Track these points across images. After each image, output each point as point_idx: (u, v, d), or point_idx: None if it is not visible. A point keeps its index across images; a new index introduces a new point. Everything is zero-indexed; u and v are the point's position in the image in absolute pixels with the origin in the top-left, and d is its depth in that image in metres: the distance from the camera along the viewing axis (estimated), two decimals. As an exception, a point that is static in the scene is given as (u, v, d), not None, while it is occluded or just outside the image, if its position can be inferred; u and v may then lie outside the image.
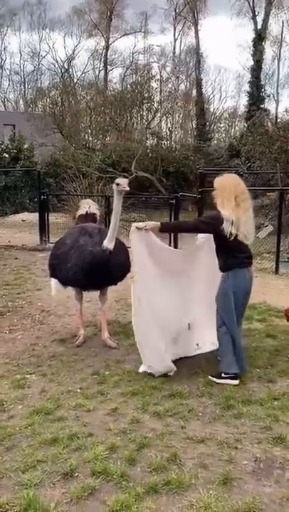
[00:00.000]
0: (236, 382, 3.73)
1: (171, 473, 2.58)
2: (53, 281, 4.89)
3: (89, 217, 5.42)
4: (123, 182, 4.24)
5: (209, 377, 3.83)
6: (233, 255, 3.74)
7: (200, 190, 9.97)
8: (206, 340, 4.32)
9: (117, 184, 4.22)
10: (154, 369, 3.93)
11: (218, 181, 3.85)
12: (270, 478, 2.55)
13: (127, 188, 4.25)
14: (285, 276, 7.91)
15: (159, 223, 3.92)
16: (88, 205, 5.53)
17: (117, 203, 4.33)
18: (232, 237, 3.62)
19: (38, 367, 4.23)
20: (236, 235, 3.63)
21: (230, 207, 3.63)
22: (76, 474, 2.59)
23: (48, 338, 5.04)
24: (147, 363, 3.98)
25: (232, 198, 3.66)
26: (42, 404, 3.45)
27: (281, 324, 5.15)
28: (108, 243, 4.29)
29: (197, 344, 4.37)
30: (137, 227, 3.82)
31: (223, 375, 3.77)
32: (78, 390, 3.71)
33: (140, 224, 3.88)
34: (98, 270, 4.35)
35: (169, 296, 4.09)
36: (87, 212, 5.43)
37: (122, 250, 4.63)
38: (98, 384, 3.83)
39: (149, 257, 3.93)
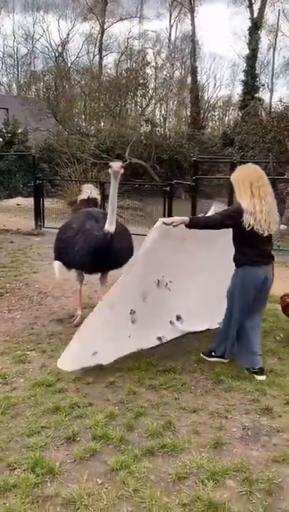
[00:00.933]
0: (225, 360, 3.90)
1: (166, 438, 2.79)
2: (57, 264, 4.97)
3: (90, 202, 5.51)
4: (116, 165, 4.32)
5: (201, 354, 4.01)
6: (243, 251, 3.66)
7: (194, 177, 10.16)
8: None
9: (111, 167, 4.33)
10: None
11: (233, 176, 3.81)
12: (257, 443, 2.77)
13: (121, 171, 4.34)
14: (275, 263, 8.10)
15: (187, 218, 3.69)
16: (90, 190, 5.63)
17: (113, 187, 4.42)
18: (249, 228, 3.52)
19: (38, 344, 4.40)
20: (252, 226, 3.51)
21: (247, 197, 3.56)
22: (78, 439, 2.79)
23: (46, 318, 5.20)
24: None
25: (247, 188, 3.58)
26: (43, 377, 3.63)
27: (271, 308, 5.36)
28: (109, 226, 4.38)
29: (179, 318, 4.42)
30: (165, 223, 3.67)
31: (212, 353, 3.94)
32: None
33: (168, 219, 3.76)
34: (102, 254, 4.44)
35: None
36: (88, 197, 5.52)
37: (125, 235, 4.79)
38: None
39: (161, 257, 3.88)
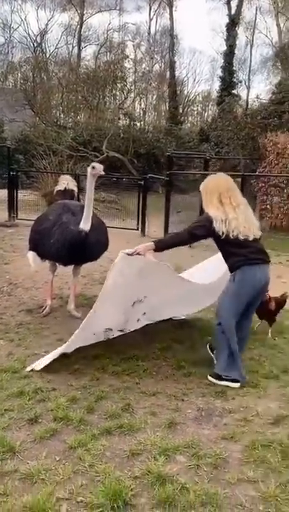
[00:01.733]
0: (237, 385, 3.43)
1: (124, 419, 2.94)
2: (31, 254, 5.01)
3: (67, 193, 5.56)
4: (99, 166, 4.40)
5: (208, 377, 3.54)
6: (235, 253, 3.44)
7: (168, 172, 10.32)
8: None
9: (93, 167, 4.38)
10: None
11: (202, 185, 3.72)
12: (210, 423, 2.95)
13: (102, 173, 4.41)
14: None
15: (152, 244, 3.49)
16: (67, 182, 5.66)
17: (90, 186, 4.47)
18: (223, 236, 3.38)
19: (6, 333, 4.49)
20: (228, 233, 3.38)
21: (214, 206, 3.46)
22: (40, 420, 2.92)
23: (16, 308, 5.29)
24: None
25: (214, 197, 3.48)
26: (9, 364, 3.74)
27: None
28: (84, 225, 4.45)
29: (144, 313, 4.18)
30: (127, 254, 3.41)
31: (223, 376, 3.48)
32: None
33: (130, 250, 3.44)
34: (77, 249, 4.54)
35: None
36: (65, 188, 5.57)
37: (101, 229, 4.89)
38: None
39: (129, 287, 3.65)
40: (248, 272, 3.42)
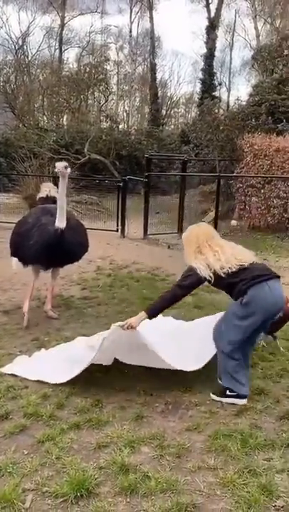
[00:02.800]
0: (244, 401, 3.20)
1: (93, 413, 3.03)
2: (14, 260, 5.04)
3: (49, 200, 5.65)
4: (59, 165, 4.51)
5: (211, 395, 3.31)
6: (237, 281, 3.17)
7: (146, 174, 10.44)
8: None
9: (55, 167, 4.56)
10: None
11: (183, 235, 3.60)
12: (176, 415, 3.06)
13: (68, 170, 4.52)
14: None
15: (143, 313, 3.31)
16: (48, 189, 5.87)
17: (62, 185, 4.59)
18: (213, 278, 3.18)
19: (-19, 334, 4.55)
20: (218, 273, 3.16)
21: (193, 257, 3.30)
22: (10, 417, 2.99)
23: (-7, 309, 5.34)
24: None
25: (192, 249, 3.35)
26: (-17, 364, 3.80)
27: (209, 298, 5.71)
28: (59, 223, 4.50)
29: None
30: (120, 326, 3.30)
31: (228, 392, 3.24)
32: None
33: (121, 323, 3.31)
34: (55, 248, 4.53)
35: None
36: (47, 195, 5.75)
37: (79, 230, 4.95)
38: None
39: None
40: (258, 291, 3.10)
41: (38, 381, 3.50)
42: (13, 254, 5.01)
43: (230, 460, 2.56)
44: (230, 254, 3.22)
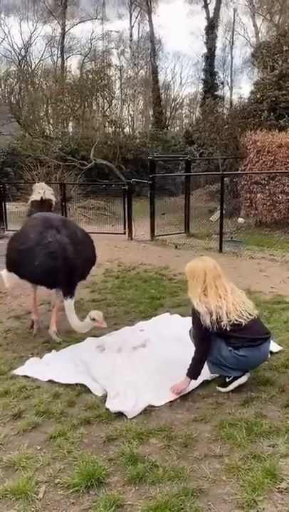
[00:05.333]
0: (246, 376, 3.36)
1: (102, 409, 3.12)
2: (8, 274, 4.64)
3: (45, 203, 5.07)
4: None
5: (218, 388, 3.39)
6: (233, 336, 3.24)
7: (151, 176, 10.55)
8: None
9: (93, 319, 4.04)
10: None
11: (188, 267, 3.48)
12: (183, 408, 3.14)
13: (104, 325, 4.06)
14: (227, 254, 8.61)
15: (187, 378, 3.29)
16: (43, 190, 5.09)
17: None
18: (212, 328, 3.19)
19: (-6, 339, 4.69)
20: (218, 324, 3.18)
21: (196, 294, 3.29)
22: (23, 415, 3.11)
23: (5, 315, 5.48)
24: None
25: (198, 286, 3.31)
26: (-3, 367, 3.93)
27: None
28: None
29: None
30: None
31: (227, 380, 3.39)
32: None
33: (172, 396, 3.25)
34: (63, 272, 4.25)
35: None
36: (42, 198, 5.04)
37: (87, 242, 4.62)
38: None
39: None
40: (251, 353, 3.27)
41: (49, 381, 3.61)
42: (11, 269, 4.60)
43: (235, 448, 2.63)
44: (232, 305, 3.24)
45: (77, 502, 2.27)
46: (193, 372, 3.30)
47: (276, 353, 3.98)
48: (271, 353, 3.80)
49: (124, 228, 10.84)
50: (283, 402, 3.12)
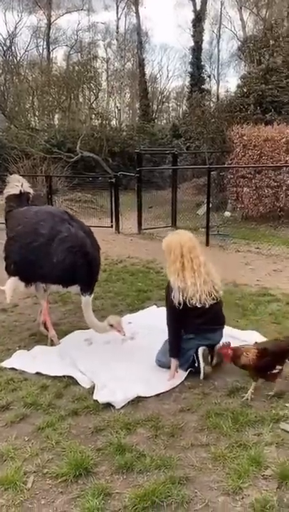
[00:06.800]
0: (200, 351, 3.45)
1: (90, 401, 3.15)
2: (14, 282, 4.19)
3: (24, 197, 4.68)
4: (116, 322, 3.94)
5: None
6: (191, 322, 3.41)
7: (138, 169, 10.54)
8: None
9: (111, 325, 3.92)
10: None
11: (165, 242, 3.57)
12: (170, 398, 3.18)
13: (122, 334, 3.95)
14: (213, 247, 8.68)
15: (174, 361, 3.44)
16: (20, 183, 4.69)
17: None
18: (181, 306, 3.31)
19: (-19, 333, 4.66)
20: (185, 302, 3.32)
21: (175, 270, 3.38)
22: (11, 407, 3.11)
23: (-10, 309, 5.44)
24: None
25: (177, 260, 3.40)
26: (-17, 360, 3.91)
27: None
28: None
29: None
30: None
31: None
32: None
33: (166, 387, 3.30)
34: (90, 268, 4.01)
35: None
36: (20, 191, 4.64)
37: (93, 235, 4.24)
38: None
39: None
40: (198, 338, 3.44)
41: (36, 373, 3.61)
42: (17, 274, 4.15)
43: (221, 437, 2.68)
44: (201, 283, 3.36)
45: (66, 491, 2.29)
46: (174, 351, 3.43)
47: (261, 344, 4.04)
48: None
49: (112, 221, 10.82)
50: (268, 392, 3.18)
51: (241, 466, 2.38)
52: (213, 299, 3.41)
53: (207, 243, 8.81)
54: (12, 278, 4.20)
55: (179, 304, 3.32)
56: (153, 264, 7.39)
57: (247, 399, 3.08)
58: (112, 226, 10.74)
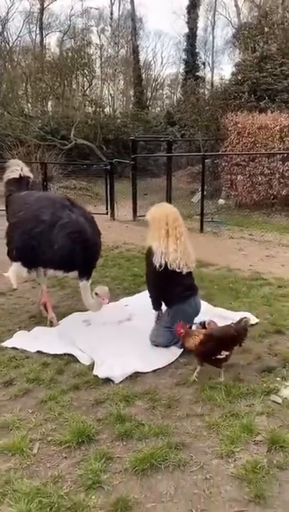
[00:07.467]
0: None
1: (90, 376, 3.29)
2: (17, 267, 4.28)
3: (23, 181, 4.76)
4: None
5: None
6: (170, 291, 3.66)
7: (132, 156, 10.61)
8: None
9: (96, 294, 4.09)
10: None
11: (150, 213, 3.81)
12: (166, 374, 3.33)
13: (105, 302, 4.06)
14: (207, 233, 8.82)
15: (156, 313, 3.83)
16: (20, 167, 4.77)
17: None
18: (161, 268, 3.55)
19: (-19, 314, 4.78)
20: (166, 265, 3.55)
21: (159, 237, 3.60)
22: (14, 383, 3.25)
23: (-11, 293, 5.55)
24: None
25: (162, 228, 3.62)
26: (-15, 340, 4.04)
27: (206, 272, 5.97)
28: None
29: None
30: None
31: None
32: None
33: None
34: (85, 253, 4.11)
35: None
36: (20, 175, 4.72)
37: (94, 222, 4.34)
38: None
39: None
40: (181, 308, 3.68)
41: (37, 352, 3.75)
42: (19, 260, 4.22)
43: (215, 407, 2.84)
44: (181, 251, 3.62)
45: (70, 456, 2.44)
46: (155, 305, 3.83)
47: (254, 325, 4.20)
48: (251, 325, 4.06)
49: (107, 209, 10.91)
50: (259, 368, 3.35)
51: (234, 433, 2.55)
52: (188, 269, 3.69)
53: (201, 230, 8.95)
54: (15, 264, 4.28)
55: (160, 266, 3.56)
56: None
57: (194, 380, 3.17)
58: (107, 213, 10.83)
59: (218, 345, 3.15)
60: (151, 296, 3.83)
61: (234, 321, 3.29)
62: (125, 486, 2.21)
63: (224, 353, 3.16)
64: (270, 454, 2.40)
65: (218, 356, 3.16)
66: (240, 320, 3.27)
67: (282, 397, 2.93)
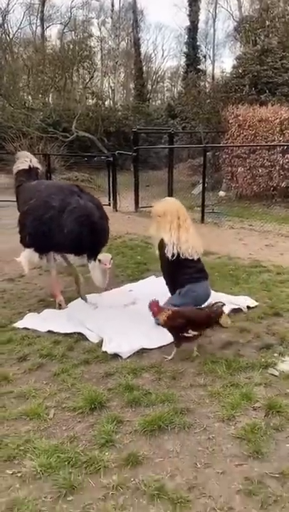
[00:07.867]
0: None
1: (99, 352, 3.50)
2: (29, 253, 4.45)
3: (33, 172, 4.93)
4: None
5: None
6: (182, 273, 3.91)
7: (135, 148, 10.77)
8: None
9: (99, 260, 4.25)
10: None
11: (159, 207, 4.10)
12: (171, 350, 3.52)
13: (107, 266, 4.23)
14: (208, 224, 9.02)
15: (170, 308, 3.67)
16: (29, 159, 4.95)
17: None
18: (174, 258, 3.84)
19: (-9, 298, 4.99)
20: (178, 255, 3.85)
21: (171, 230, 3.89)
22: (28, 358, 3.46)
23: (-1, 278, 5.76)
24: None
25: (174, 222, 3.93)
26: (-3, 321, 4.25)
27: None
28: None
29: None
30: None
31: None
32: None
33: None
34: (94, 235, 4.26)
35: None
36: (30, 166, 4.89)
37: (102, 207, 4.52)
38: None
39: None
40: (192, 288, 3.90)
41: (48, 332, 3.96)
42: (32, 246, 4.39)
43: (217, 379, 3.06)
44: (192, 240, 3.93)
45: (83, 420, 2.65)
46: (172, 291, 4.06)
47: (253, 307, 4.42)
48: (249, 307, 4.31)
49: (109, 200, 11.09)
50: (258, 345, 3.56)
51: (234, 400, 2.76)
52: (198, 255, 3.99)
53: (202, 220, 9.14)
54: (27, 250, 4.45)
55: (172, 255, 3.84)
56: (151, 240, 7.66)
57: (196, 355, 3.39)
58: (109, 204, 11.01)
59: (186, 323, 3.36)
60: (167, 283, 4.11)
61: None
62: (135, 445, 2.42)
63: (192, 332, 3.36)
64: (268, 417, 2.61)
65: (186, 334, 3.37)
66: (214, 304, 3.51)
67: (280, 371, 3.15)
